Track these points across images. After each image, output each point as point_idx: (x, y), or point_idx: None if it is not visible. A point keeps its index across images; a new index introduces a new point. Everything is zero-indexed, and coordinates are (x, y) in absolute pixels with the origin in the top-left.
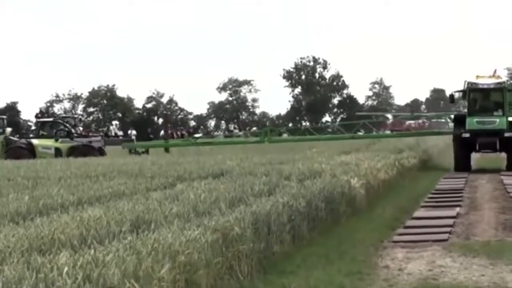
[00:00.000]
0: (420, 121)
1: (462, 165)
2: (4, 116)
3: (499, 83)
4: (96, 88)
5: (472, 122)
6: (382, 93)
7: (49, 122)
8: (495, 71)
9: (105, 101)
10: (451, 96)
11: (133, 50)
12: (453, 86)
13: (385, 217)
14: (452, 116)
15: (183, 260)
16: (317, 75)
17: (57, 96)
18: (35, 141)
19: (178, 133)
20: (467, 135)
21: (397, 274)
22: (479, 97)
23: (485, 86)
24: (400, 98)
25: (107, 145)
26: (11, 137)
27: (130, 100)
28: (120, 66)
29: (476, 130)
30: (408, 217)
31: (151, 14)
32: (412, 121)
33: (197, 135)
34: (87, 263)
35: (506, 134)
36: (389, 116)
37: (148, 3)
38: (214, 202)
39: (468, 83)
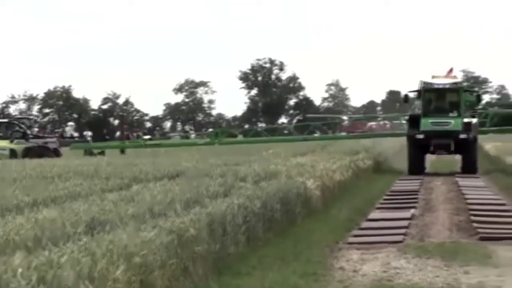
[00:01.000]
0: (381, 122)
1: (416, 167)
2: None
3: (455, 83)
4: (51, 89)
5: (427, 123)
6: (338, 94)
7: (4, 123)
8: (451, 70)
9: (61, 102)
10: (406, 96)
11: (89, 51)
12: (409, 88)
13: (340, 218)
14: (407, 117)
15: (138, 261)
16: (273, 76)
17: (13, 97)
18: None
19: (134, 134)
20: (421, 136)
21: (352, 275)
22: (434, 98)
23: (440, 86)
24: (356, 99)
25: (63, 146)
26: None
27: (86, 101)
28: (76, 67)
29: (430, 131)
30: (363, 219)
31: (106, 15)
32: (373, 123)
33: (146, 137)
34: (42, 264)
35: (461, 136)
36: (345, 117)
37: (104, 4)
38: (170, 203)
39: (423, 83)
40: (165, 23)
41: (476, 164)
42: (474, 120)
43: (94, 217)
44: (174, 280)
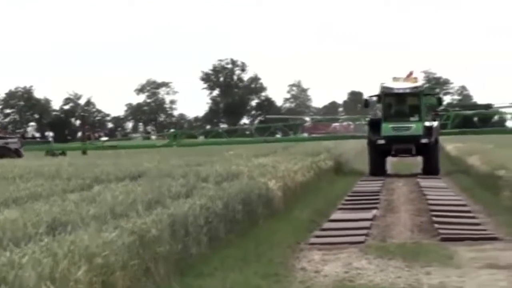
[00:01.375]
0: (344, 123)
1: (377, 169)
2: None
3: (415, 87)
4: (13, 89)
5: (387, 128)
6: (300, 95)
7: None
8: (411, 73)
9: (22, 103)
10: (366, 101)
11: (50, 51)
12: (370, 89)
13: (302, 219)
14: (368, 119)
15: (100, 262)
16: (235, 77)
17: None
18: None
19: (96, 134)
20: (382, 141)
21: (313, 276)
22: (394, 102)
23: (401, 91)
24: (318, 100)
25: (24, 147)
26: None
27: (47, 101)
28: (37, 67)
29: (391, 136)
30: (325, 219)
31: (67, 15)
32: (337, 124)
33: (103, 139)
34: (3, 265)
35: (422, 140)
36: (307, 118)
37: (64, 4)
38: (131, 204)
39: (383, 87)
40: (127, 24)
41: (438, 165)
42: (435, 124)
43: (55, 218)
44: (136, 280)
